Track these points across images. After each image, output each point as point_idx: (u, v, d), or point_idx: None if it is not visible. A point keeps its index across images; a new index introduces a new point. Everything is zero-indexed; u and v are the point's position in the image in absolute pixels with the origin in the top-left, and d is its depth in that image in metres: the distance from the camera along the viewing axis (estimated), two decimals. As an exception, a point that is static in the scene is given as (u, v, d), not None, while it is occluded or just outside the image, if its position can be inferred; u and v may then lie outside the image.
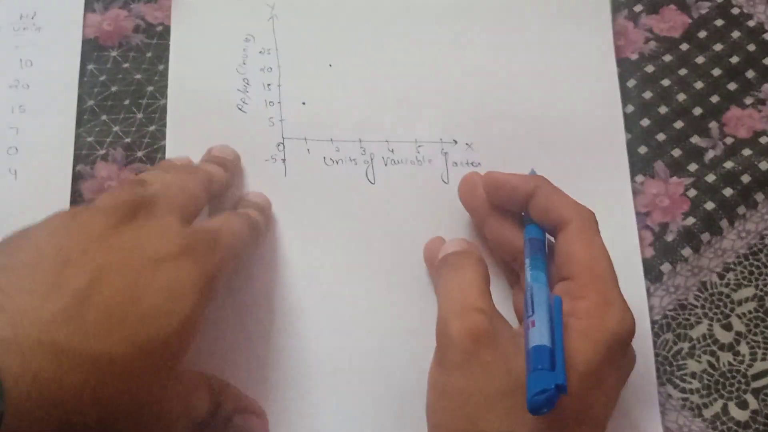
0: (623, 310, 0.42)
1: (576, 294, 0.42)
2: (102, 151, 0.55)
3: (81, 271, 0.39)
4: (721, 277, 0.52)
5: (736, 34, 0.59)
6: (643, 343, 0.49)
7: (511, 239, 0.48)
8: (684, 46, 0.58)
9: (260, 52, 0.57)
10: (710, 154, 0.55)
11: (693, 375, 0.49)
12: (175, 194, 0.45)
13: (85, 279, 0.39)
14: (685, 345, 0.50)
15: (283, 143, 0.55)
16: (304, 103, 0.56)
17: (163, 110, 0.56)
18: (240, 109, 0.56)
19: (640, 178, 0.54)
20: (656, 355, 0.49)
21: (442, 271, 0.46)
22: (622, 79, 0.57)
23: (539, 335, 0.39)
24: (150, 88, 0.57)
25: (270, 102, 0.56)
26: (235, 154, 0.54)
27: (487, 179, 0.48)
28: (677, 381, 0.49)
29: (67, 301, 0.38)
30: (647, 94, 0.57)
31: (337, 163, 0.55)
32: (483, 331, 0.41)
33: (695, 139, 0.56)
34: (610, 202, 0.53)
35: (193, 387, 0.44)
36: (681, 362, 0.50)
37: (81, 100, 0.57)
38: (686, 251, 0.52)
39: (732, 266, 0.52)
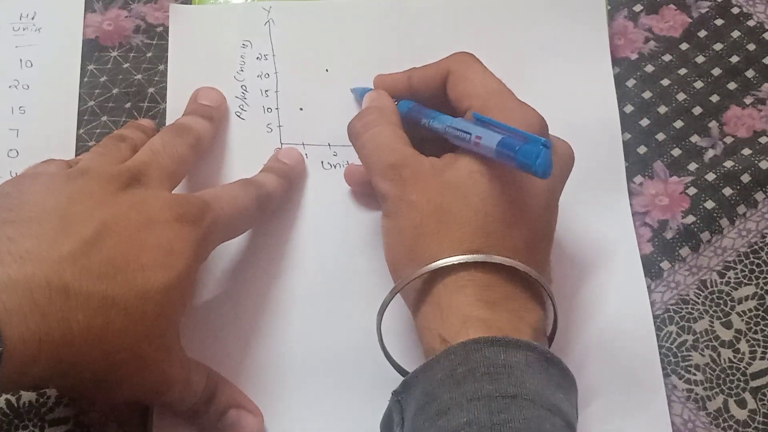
0: (522, 109, 0.45)
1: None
2: (102, 152, 0.55)
3: (86, 225, 0.41)
4: (722, 275, 0.51)
5: (736, 34, 0.59)
6: (647, 337, 0.50)
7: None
8: (684, 46, 0.58)
9: (257, 58, 0.58)
10: (710, 154, 0.55)
11: (697, 367, 0.49)
12: (165, 163, 0.47)
13: (90, 230, 0.41)
14: (690, 337, 0.50)
15: (281, 149, 0.55)
16: (301, 109, 0.56)
17: (164, 115, 0.56)
18: (238, 116, 0.56)
19: (638, 179, 0.54)
20: (660, 347, 0.49)
21: (356, 145, 0.49)
22: (622, 78, 0.57)
23: (490, 138, 0.42)
24: (151, 90, 0.58)
25: (268, 108, 0.56)
26: (221, 98, 0.56)
27: (376, 83, 0.53)
28: (682, 372, 0.49)
29: (74, 246, 0.40)
30: (647, 94, 0.57)
31: (335, 167, 0.55)
32: (403, 179, 0.45)
33: (695, 139, 0.55)
34: (608, 201, 0.53)
35: (194, 366, 0.46)
36: (686, 353, 0.50)
37: (82, 100, 0.57)
38: (685, 249, 0.52)
39: (732, 265, 0.52)
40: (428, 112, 0.48)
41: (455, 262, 0.42)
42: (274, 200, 0.51)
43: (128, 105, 0.57)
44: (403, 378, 0.42)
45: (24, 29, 0.59)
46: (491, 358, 0.39)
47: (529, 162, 0.40)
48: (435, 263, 0.42)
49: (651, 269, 0.52)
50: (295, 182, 0.54)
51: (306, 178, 0.55)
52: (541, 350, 0.40)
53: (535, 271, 0.42)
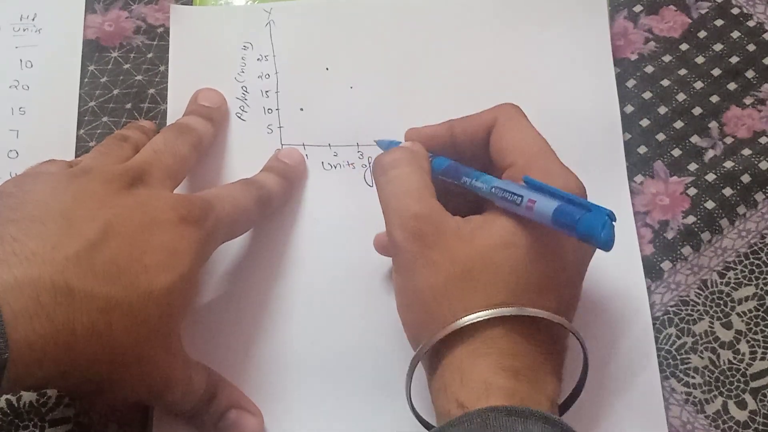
0: (565, 173, 0.44)
1: (520, 176, 0.43)
2: (102, 153, 0.55)
3: (90, 225, 0.41)
4: (722, 275, 0.51)
5: (736, 34, 0.59)
6: (645, 338, 0.49)
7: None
8: (684, 46, 0.58)
9: (258, 59, 0.58)
10: (710, 154, 0.55)
11: (696, 370, 0.49)
12: (167, 162, 0.47)
13: (95, 231, 0.41)
14: (689, 340, 0.50)
15: (281, 149, 0.55)
16: (301, 109, 0.56)
17: (164, 116, 0.56)
18: (239, 117, 0.56)
19: (639, 178, 0.54)
20: (659, 349, 0.49)
21: (379, 181, 0.46)
22: (622, 79, 0.57)
23: (546, 204, 0.40)
24: (151, 90, 0.58)
25: (268, 109, 0.56)
26: (222, 100, 0.55)
27: (408, 136, 0.49)
28: (681, 375, 0.49)
29: (78, 247, 0.40)
30: (647, 94, 0.57)
31: (335, 167, 0.55)
32: (425, 234, 0.42)
33: (695, 139, 0.55)
34: (608, 202, 0.52)
35: (195, 366, 0.46)
36: (684, 356, 0.50)
37: (82, 101, 0.57)
38: (686, 250, 0.52)
39: (732, 265, 0.52)
40: (468, 170, 0.46)
41: (484, 318, 0.40)
42: (275, 200, 0.51)
43: (129, 106, 0.57)
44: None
45: (24, 30, 0.59)
46: (509, 428, 0.37)
47: (594, 234, 0.38)
48: (463, 319, 0.40)
49: (651, 270, 0.51)
50: (296, 182, 0.54)
51: (306, 178, 0.55)
52: (558, 423, 0.39)
53: (569, 323, 0.42)
